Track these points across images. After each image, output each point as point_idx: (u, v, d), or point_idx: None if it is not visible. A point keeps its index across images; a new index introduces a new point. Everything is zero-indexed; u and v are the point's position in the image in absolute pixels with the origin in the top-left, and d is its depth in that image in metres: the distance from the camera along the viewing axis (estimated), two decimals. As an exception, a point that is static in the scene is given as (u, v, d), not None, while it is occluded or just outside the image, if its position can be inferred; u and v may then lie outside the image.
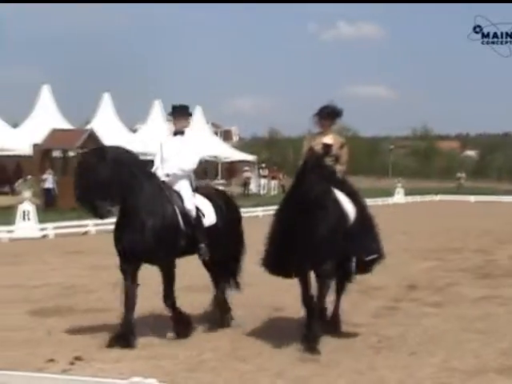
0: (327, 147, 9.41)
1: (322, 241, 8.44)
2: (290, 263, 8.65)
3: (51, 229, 23.85)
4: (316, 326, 8.80)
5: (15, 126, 44.70)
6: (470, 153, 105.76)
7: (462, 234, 25.50)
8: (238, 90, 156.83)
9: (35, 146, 35.75)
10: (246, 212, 33.79)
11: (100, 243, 18.48)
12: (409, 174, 70.10)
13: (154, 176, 9.50)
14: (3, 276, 14.56)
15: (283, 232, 8.59)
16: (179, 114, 9.87)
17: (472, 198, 54.42)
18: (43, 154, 36.12)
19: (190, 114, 10.21)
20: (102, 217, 9.09)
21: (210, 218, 9.66)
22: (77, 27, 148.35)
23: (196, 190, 9.85)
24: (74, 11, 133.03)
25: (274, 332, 9.59)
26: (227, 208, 10.07)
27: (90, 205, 8.86)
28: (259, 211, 34.46)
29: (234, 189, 51.48)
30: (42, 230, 23.61)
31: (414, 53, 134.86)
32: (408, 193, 54.26)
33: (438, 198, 56.15)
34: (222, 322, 10.01)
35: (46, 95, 44.29)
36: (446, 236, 24.57)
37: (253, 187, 55.49)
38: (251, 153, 61.40)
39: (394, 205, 48.26)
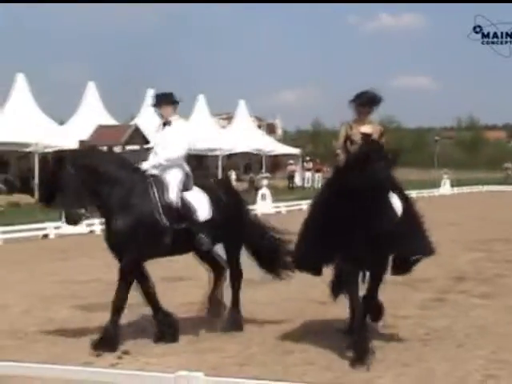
0: (366, 136, 8.68)
1: (387, 234, 7.95)
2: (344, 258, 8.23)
3: (98, 224, 23.99)
4: (365, 333, 8.20)
5: (62, 123, 45.15)
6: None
7: (509, 225, 25.14)
8: (281, 83, 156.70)
9: (81, 142, 36.03)
10: (290, 205, 34.01)
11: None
12: (455, 165, 69.26)
13: (135, 171, 9.13)
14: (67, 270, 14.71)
15: (332, 224, 8.06)
16: (163, 102, 9.45)
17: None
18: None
19: (176, 102, 9.57)
20: (73, 223, 8.98)
21: (204, 211, 9.17)
22: (123, 26, 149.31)
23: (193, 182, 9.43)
24: (118, 10, 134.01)
25: (320, 325, 9.56)
26: (228, 199, 9.65)
27: (60, 212, 8.79)
28: (303, 204, 34.31)
29: (279, 182, 51.47)
30: (88, 226, 23.78)
31: (457, 42, 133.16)
32: (454, 184, 53.71)
33: (485, 188, 55.48)
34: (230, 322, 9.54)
35: (91, 92, 44.66)
36: (493, 227, 24.27)
37: (297, 180, 55.43)
38: (295, 146, 61.25)
39: (440, 196, 47.84)
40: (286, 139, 69.23)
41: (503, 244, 19.01)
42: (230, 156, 51.94)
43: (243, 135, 52.75)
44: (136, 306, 9.78)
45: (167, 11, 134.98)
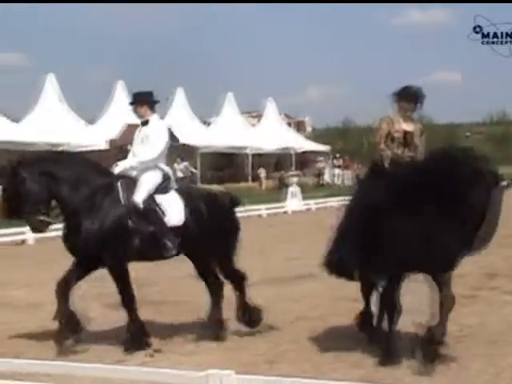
0: (409, 135, 8.27)
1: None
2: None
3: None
4: (393, 332, 8.00)
5: (91, 122, 45.45)
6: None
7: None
8: (310, 80, 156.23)
9: (112, 141, 36.30)
10: (320, 202, 33.99)
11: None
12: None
13: (103, 174, 8.93)
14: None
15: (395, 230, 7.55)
16: (140, 101, 9.16)
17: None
18: (119, 149, 36.61)
19: (153, 101, 9.27)
20: (37, 231, 8.88)
21: (174, 216, 8.77)
22: (150, 26, 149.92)
23: (171, 186, 9.09)
24: (143, 10, 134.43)
25: (351, 323, 9.52)
26: (212, 211, 9.06)
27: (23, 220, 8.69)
28: (333, 201, 34.24)
29: (308, 179, 51.42)
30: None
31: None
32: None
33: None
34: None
35: (120, 91, 44.88)
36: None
37: (327, 177, 55.32)
38: (325, 143, 61.12)
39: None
40: (315, 136, 69.03)
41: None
42: (260, 154, 51.95)
43: (272, 133, 52.79)
44: (161, 304, 9.80)
45: (193, 11, 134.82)
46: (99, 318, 10.16)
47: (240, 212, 25.77)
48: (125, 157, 9.55)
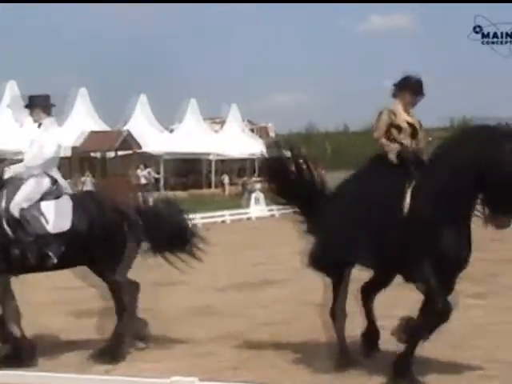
0: (413, 127, 7.86)
1: None
2: None
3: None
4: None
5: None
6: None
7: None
8: (273, 86, 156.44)
9: (73, 148, 36.01)
10: (284, 208, 33.95)
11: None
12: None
13: None
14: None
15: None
16: (34, 104, 8.93)
17: None
18: (81, 156, 36.45)
19: (46, 105, 8.97)
20: None
21: (59, 223, 8.39)
22: (113, 31, 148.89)
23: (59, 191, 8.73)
24: (100, 13, 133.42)
25: (314, 328, 9.52)
26: (104, 212, 8.69)
27: None
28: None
29: (252, 185, 51.48)
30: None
31: (448, 40, 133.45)
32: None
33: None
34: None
35: (82, 98, 44.65)
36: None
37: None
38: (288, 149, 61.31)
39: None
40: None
41: (498, 243, 18.97)
42: (223, 160, 51.94)
43: (235, 139, 52.82)
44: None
45: (156, 15, 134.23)
46: (62, 326, 10.07)
47: (204, 218, 25.86)
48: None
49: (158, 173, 45.00)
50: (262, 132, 68.05)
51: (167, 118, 55.96)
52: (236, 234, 24.91)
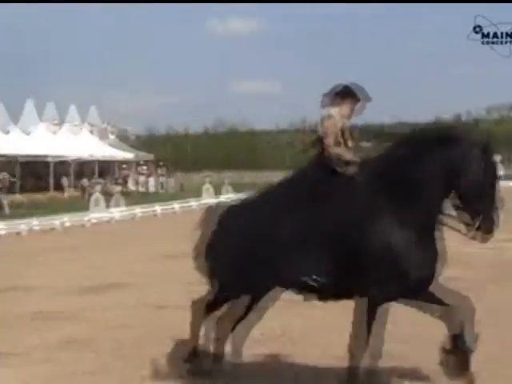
0: (347, 132, 7.48)
1: None
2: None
3: None
4: None
5: None
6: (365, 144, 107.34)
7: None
8: (113, 87, 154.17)
9: None
10: (124, 211, 33.60)
11: None
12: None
13: None
14: None
15: None
16: None
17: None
18: None
19: None
20: None
21: None
22: None
23: None
24: None
25: (158, 330, 9.50)
26: None
27: None
28: (137, 209, 34.12)
29: (113, 187, 50.92)
30: None
31: (297, 46, 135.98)
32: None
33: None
34: None
35: None
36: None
37: (131, 185, 55.13)
38: (148, 151, 61.12)
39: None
40: (119, 144, 68.49)
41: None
42: (62, 162, 50.85)
43: (75, 141, 51.93)
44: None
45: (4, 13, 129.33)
46: None
47: (40, 223, 25.18)
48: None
49: (14, 175, 44.13)
50: (101, 133, 67.26)
51: (2, 119, 54.27)
52: (77, 237, 24.43)
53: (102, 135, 64.90)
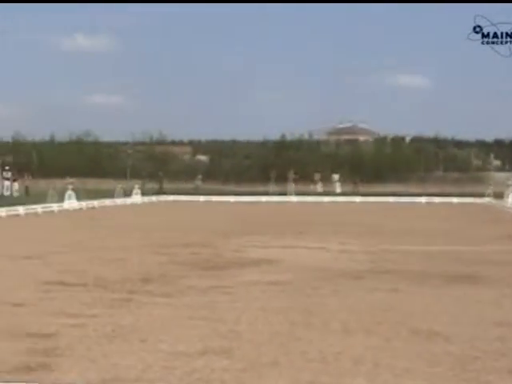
0: None
1: None
2: None
3: None
4: None
5: None
6: (201, 157, 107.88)
7: (189, 230, 26.06)
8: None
9: None
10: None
11: None
12: (146, 176, 70.47)
13: None
14: None
15: None
16: None
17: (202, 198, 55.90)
18: None
19: None
20: None
21: None
22: None
23: None
24: None
25: (11, 327, 9.26)
26: None
27: None
28: (3, 212, 33.23)
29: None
30: None
31: (147, 63, 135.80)
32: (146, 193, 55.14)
33: (172, 198, 56.93)
34: None
35: None
36: (177, 232, 24.98)
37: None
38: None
39: (131, 205, 48.35)
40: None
41: (184, 248, 19.60)
42: None
43: None
44: None
45: None
46: None
47: None
48: None
49: None
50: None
51: None
52: None
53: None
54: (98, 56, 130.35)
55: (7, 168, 56.89)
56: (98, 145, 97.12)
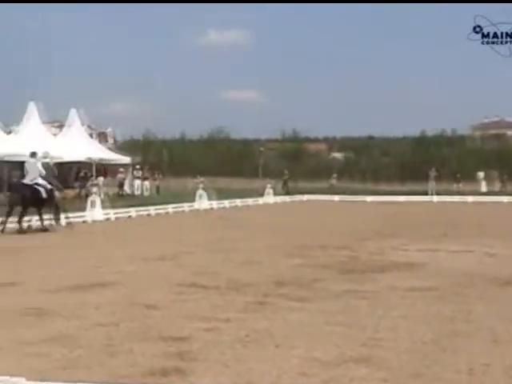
0: None
1: None
2: None
3: None
4: None
5: None
6: (337, 155, 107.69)
7: (326, 231, 26.02)
8: (113, 93, 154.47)
9: None
10: (119, 212, 33.73)
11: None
12: (278, 175, 71.01)
13: None
14: None
15: None
16: None
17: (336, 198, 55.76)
18: None
19: None
20: None
21: None
22: None
23: None
24: None
25: (144, 328, 9.54)
26: None
27: None
28: (132, 211, 34.32)
29: (110, 190, 50.94)
30: None
31: (283, 57, 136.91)
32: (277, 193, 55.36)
33: (306, 198, 57.11)
34: None
35: None
36: (310, 234, 25.01)
37: (127, 188, 55.35)
38: (127, 155, 60.85)
39: (264, 204, 48.80)
40: (118, 148, 68.46)
41: (320, 251, 19.61)
42: (61, 164, 50.78)
43: (74, 143, 51.90)
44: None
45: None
46: None
47: (38, 221, 25.26)
48: None
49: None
50: (101, 137, 67.25)
51: (5, 120, 54.26)
52: (72, 237, 24.47)
53: (102, 139, 65.07)
54: (231, 51, 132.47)
55: (138, 167, 58.52)
56: (228, 142, 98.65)
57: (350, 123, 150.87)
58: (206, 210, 40.52)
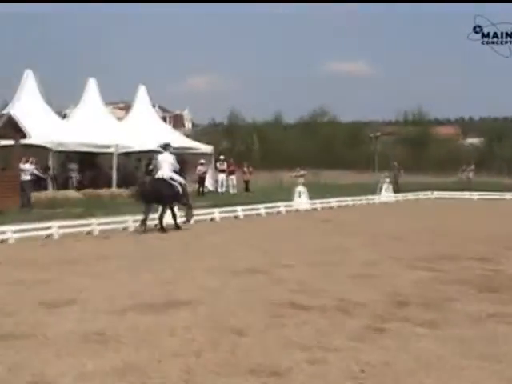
0: None
1: None
2: None
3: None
4: None
5: None
6: (474, 140, 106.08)
7: (461, 238, 25.67)
8: (191, 68, 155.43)
9: None
10: (199, 214, 33.95)
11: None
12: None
13: None
14: None
15: None
16: None
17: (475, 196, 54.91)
18: None
19: None
20: None
21: None
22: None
23: None
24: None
25: (236, 360, 9.56)
26: None
27: None
28: (216, 213, 34.46)
29: (188, 186, 51.42)
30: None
31: (401, 23, 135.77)
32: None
33: (435, 195, 56.44)
34: None
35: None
36: (441, 242, 24.71)
37: (209, 184, 55.21)
38: (207, 142, 61.15)
39: (381, 204, 48.45)
40: (196, 134, 69.12)
41: (453, 262, 19.35)
42: (128, 153, 51.48)
43: (143, 128, 52.27)
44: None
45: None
46: None
47: (101, 224, 25.70)
48: None
49: (48, 168, 44.40)
50: (176, 121, 68.04)
51: (61, 101, 55.52)
52: (139, 244, 24.76)
53: (177, 123, 65.71)
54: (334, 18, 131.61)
55: (222, 158, 58.24)
56: (333, 126, 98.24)
57: (489, 101, 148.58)
58: (307, 211, 40.45)
